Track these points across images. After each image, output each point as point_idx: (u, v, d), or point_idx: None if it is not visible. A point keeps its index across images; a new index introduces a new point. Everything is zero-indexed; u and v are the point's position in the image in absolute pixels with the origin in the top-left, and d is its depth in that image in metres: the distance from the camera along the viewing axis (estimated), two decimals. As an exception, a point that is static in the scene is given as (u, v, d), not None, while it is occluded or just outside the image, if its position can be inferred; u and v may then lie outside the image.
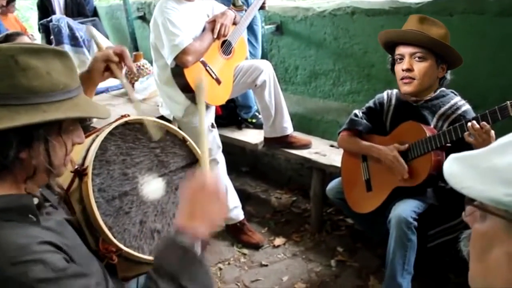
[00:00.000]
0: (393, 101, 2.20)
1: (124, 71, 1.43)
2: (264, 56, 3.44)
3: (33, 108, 0.93)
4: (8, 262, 0.86)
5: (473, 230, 0.65)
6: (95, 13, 5.23)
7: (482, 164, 0.60)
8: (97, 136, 1.32)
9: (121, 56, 1.35)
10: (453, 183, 0.62)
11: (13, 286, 0.86)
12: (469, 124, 1.74)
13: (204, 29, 2.62)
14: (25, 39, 2.41)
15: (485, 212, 0.61)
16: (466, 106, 2.00)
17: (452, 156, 0.66)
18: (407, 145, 2.02)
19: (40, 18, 4.74)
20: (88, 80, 1.35)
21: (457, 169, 0.63)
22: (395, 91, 2.23)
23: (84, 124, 1.45)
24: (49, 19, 4.00)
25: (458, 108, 2.00)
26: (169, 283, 0.97)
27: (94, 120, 1.56)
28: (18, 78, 0.92)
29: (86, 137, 1.38)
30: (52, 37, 3.80)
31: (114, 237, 1.18)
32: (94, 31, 1.43)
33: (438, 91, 2.06)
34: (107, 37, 4.71)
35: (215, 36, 2.60)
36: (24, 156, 0.95)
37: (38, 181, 1.03)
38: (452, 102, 2.03)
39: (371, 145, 2.18)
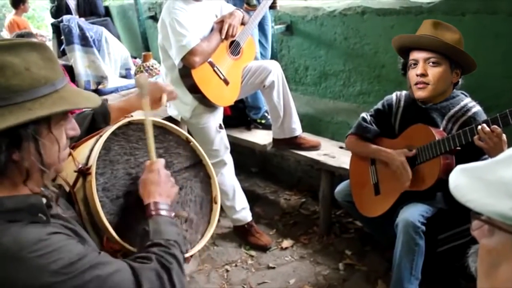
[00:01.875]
0: (402, 103, 2.16)
1: None
2: (274, 57, 3.42)
3: (16, 108, 0.89)
4: (24, 257, 0.86)
5: (480, 246, 0.61)
6: (107, 13, 5.28)
7: (488, 176, 0.57)
8: (100, 136, 1.32)
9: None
10: (458, 196, 0.59)
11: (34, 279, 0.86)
12: (479, 127, 1.70)
13: (212, 30, 2.61)
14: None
15: (492, 227, 0.57)
16: (476, 108, 1.96)
17: (459, 167, 0.62)
18: (414, 151, 2.00)
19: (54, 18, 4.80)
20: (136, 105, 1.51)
21: (463, 181, 0.60)
22: (404, 92, 2.19)
23: None
24: (59, 19, 4.03)
25: (468, 110, 1.95)
26: (177, 250, 1.13)
27: None
28: None
29: (90, 138, 1.39)
30: (62, 37, 3.82)
31: (119, 236, 1.19)
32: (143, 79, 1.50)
33: (449, 94, 2.02)
34: (118, 37, 4.74)
35: (223, 37, 2.58)
36: (17, 157, 0.92)
37: (35, 182, 0.99)
38: (462, 103, 1.98)
39: (380, 148, 2.14)
